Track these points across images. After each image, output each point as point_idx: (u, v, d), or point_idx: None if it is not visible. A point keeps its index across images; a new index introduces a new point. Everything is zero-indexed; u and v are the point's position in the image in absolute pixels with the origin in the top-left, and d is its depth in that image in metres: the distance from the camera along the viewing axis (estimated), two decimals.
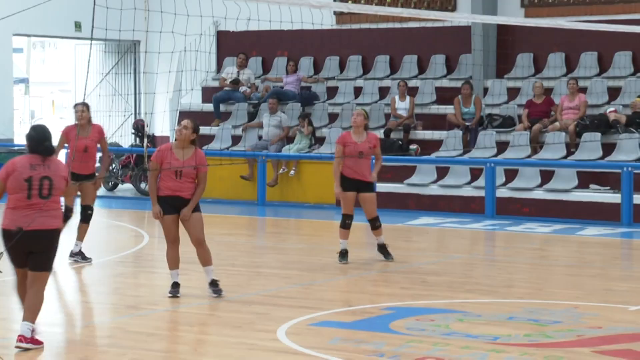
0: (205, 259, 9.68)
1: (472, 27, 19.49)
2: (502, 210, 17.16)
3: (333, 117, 20.42)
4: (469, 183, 17.93)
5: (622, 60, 18.88)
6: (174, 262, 9.65)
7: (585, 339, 8.02)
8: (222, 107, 21.36)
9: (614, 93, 18.61)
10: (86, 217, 11.62)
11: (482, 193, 17.38)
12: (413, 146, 18.87)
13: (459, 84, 19.52)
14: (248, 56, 21.81)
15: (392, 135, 19.15)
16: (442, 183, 18.04)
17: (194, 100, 21.95)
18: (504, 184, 17.58)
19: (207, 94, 21.98)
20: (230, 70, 21.54)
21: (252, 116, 21.01)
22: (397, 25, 20.24)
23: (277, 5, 9.29)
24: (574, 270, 12.06)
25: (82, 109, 11.45)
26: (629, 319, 8.89)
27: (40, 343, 7.60)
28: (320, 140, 19.86)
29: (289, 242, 14.71)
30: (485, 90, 19.72)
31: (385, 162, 18.29)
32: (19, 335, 7.51)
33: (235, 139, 20.62)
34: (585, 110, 17.99)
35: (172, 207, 9.58)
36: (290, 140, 19.96)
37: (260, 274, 11.48)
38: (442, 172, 18.25)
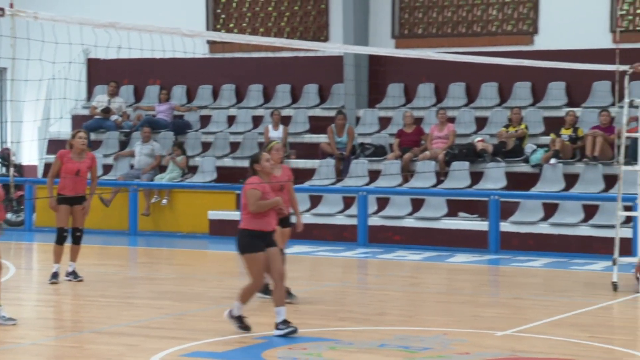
0: None
1: (345, 57, 19.74)
2: (374, 238, 17.35)
3: (206, 146, 20.33)
4: (341, 211, 18.08)
5: (489, 91, 19.41)
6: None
7: None
8: (93, 136, 21.00)
9: (481, 123, 19.09)
10: (75, 239, 12.64)
11: (354, 221, 17.54)
12: None
13: (331, 113, 19.71)
14: (119, 84, 21.55)
15: None
16: (315, 211, 18.14)
17: (63, 129, 21.52)
18: (376, 212, 17.79)
19: (77, 122, 21.59)
20: (101, 99, 21.24)
21: (123, 145, 20.74)
22: (270, 54, 20.33)
23: (149, 33, 9.20)
24: (444, 297, 12.26)
25: (85, 136, 12.74)
26: (495, 344, 9.07)
27: None
28: (193, 170, 19.73)
29: (162, 272, 14.52)
30: (358, 119, 19.96)
31: None
32: None
33: (107, 168, 20.30)
34: (454, 139, 18.39)
35: None
36: (162, 169, 19.77)
37: (131, 304, 11.29)
38: (315, 201, 18.35)
